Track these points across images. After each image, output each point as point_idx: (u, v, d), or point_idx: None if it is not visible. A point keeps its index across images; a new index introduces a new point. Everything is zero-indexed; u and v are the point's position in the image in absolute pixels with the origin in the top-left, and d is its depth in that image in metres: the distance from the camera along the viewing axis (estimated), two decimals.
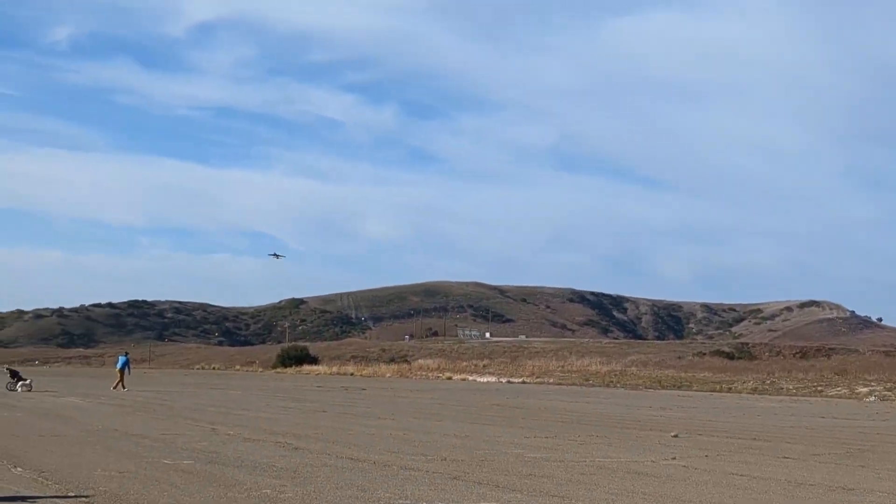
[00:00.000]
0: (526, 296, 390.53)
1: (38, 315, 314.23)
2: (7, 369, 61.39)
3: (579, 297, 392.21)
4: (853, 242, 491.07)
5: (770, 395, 63.58)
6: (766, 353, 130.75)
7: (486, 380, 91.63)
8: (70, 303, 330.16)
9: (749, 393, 65.95)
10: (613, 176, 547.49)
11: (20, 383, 53.92)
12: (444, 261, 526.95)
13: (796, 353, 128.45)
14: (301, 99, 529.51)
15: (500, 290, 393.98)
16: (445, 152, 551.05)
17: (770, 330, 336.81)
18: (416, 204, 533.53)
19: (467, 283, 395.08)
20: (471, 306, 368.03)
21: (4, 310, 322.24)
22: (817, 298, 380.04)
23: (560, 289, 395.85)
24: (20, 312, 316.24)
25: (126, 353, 63.36)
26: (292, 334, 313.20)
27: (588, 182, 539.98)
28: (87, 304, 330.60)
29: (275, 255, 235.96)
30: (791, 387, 69.03)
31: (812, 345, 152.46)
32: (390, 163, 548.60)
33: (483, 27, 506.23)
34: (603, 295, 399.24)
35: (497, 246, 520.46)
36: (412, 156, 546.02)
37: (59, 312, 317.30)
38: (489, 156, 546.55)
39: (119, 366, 60.67)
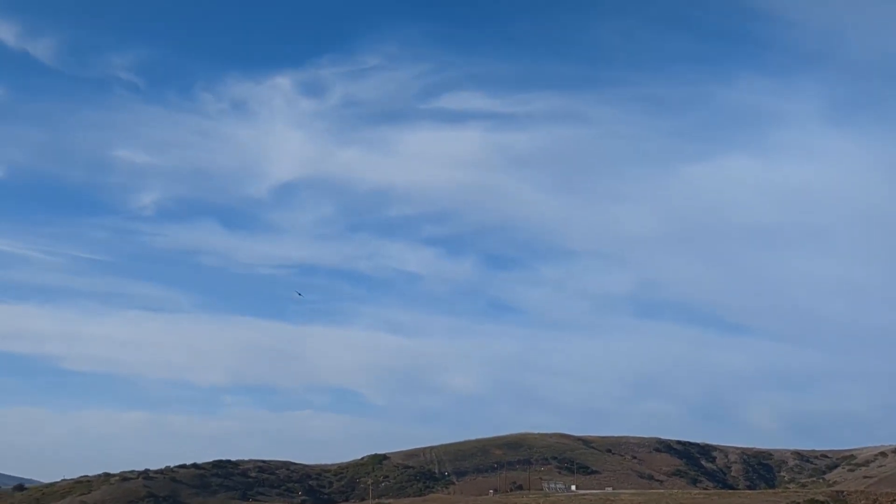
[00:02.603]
0: (611, 446, 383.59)
1: (125, 478, 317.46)
2: None
3: (665, 447, 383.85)
4: None
5: None
6: (863, 501, 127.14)
7: None
8: (156, 464, 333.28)
9: None
10: (695, 322, 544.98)
11: None
12: (527, 412, 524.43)
13: (893, 500, 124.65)
14: (380, 254, 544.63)
15: (585, 441, 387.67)
16: (525, 302, 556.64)
17: (865, 476, 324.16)
18: (498, 355, 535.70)
19: (551, 435, 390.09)
20: (555, 458, 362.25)
21: (92, 473, 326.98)
22: None
23: (645, 438, 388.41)
24: (107, 476, 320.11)
25: None
26: (375, 490, 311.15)
27: (669, 329, 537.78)
28: (172, 465, 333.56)
29: (298, 293, 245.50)
30: None
31: None
32: (470, 314, 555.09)
33: (559, 179, 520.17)
34: (690, 444, 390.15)
35: (580, 396, 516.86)
36: (492, 307, 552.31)
37: (145, 475, 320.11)
38: (569, 305, 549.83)
39: None
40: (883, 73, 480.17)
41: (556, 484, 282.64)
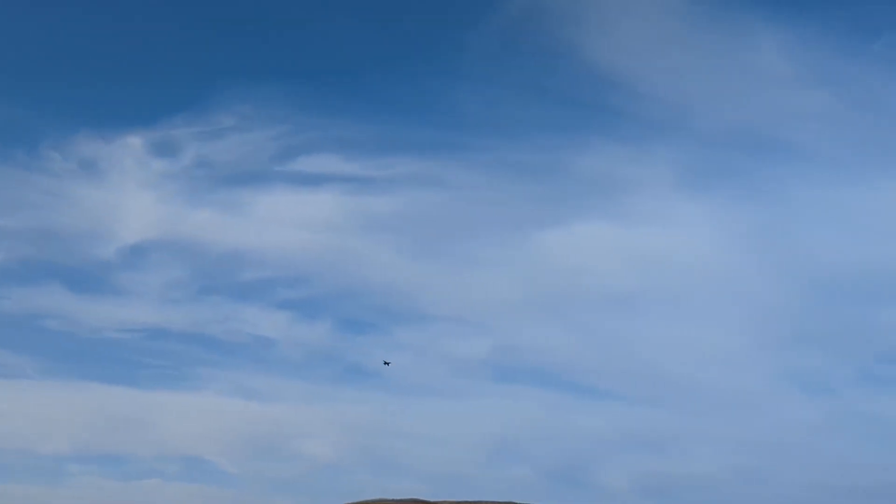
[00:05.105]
0: None
1: None
2: None
3: None
4: (795, 447, 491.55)
5: None
6: None
7: None
8: None
9: None
10: (552, 386, 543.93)
11: None
12: (383, 478, 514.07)
13: None
14: (233, 318, 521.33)
15: None
16: (382, 368, 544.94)
17: None
18: (354, 421, 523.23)
19: (405, 500, 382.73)
20: None
21: None
22: None
23: (500, 502, 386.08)
24: None
25: None
26: None
27: (527, 392, 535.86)
28: None
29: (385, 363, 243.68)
30: None
31: None
32: (326, 379, 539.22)
33: (418, 243, 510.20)
34: None
35: (437, 460, 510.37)
36: (348, 371, 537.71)
37: None
38: (426, 369, 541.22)
39: None
40: (730, 143, 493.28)
41: None
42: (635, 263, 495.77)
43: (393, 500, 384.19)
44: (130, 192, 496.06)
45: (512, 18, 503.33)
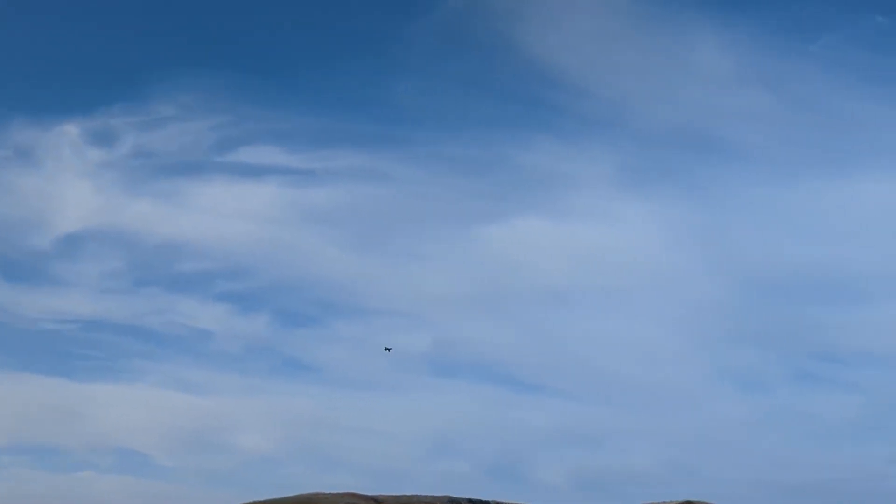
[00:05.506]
0: None
1: None
2: None
3: None
4: (726, 442, 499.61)
5: None
6: None
7: None
8: None
9: None
10: (490, 381, 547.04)
11: None
12: (321, 472, 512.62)
13: None
14: (171, 310, 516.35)
15: (377, 500, 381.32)
16: (321, 361, 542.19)
17: None
18: (291, 414, 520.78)
19: (342, 494, 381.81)
20: None
21: None
22: (693, 499, 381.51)
23: (438, 497, 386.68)
24: None
25: None
26: None
27: (465, 387, 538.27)
28: None
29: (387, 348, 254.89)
30: None
31: None
32: (264, 372, 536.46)
33: (359, 236, 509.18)
34: (482, 502, 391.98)
35: (375, 455, 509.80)
36: (286, 365, 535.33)
37: None
38: (366, 363, 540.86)
39: None
40: (669, 142, 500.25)
41: None
42: (575, 260, 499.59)
43: (330, 494, 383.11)
44: (67, 181, 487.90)
45: (454, 13, 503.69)
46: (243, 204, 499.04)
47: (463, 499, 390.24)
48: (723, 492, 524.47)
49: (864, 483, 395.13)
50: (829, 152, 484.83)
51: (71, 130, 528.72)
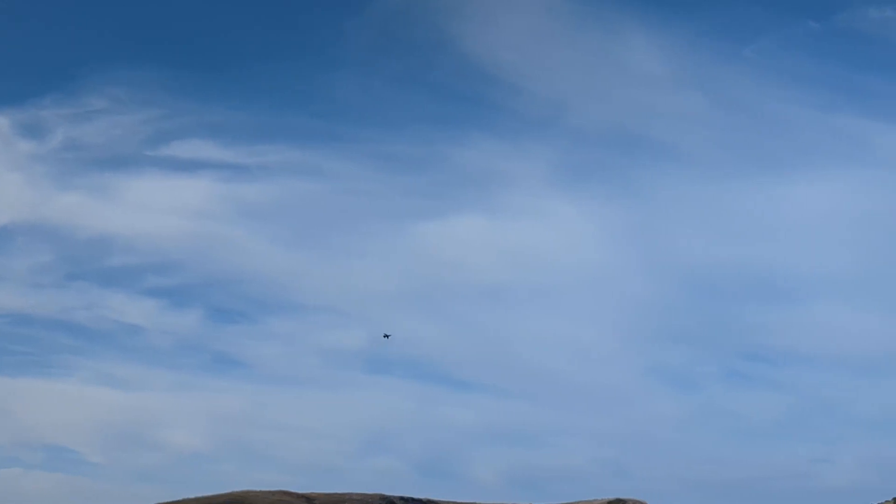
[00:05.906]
0: (335, 503, 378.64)
1: None
2: None
3: (387, 503, 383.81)
4: (657, 440, 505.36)
5: None
6: None
7: None
8: None
9: None
10: (424, 378, 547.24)
11: None
12: (252, 469, 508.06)
13: None
14: (100, 304, 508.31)
15: (308, 499, 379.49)
16: (253, 357, 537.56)
17: None
18: (222, 411, 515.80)
19: (273, 492, 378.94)
20: None
21: None
22: (623, 497, 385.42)
23: (369, 494, 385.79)
24: None
25: None
26: None
27: (399, 385, 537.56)
28: None
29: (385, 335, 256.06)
30: None
31: None
32: (194, 369, 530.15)
33: (293, 232, 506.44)
34: (414, 500, 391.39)
35: (307, 452, 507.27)
36: (218, 361, 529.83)
37: None
38: (299, 360, 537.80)
39: None
40: (603, 141, 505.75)
41: None
42: (509, 258, 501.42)
43: (262, 492, 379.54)
44: None
45: (392, 10, 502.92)
46: (175, 198, 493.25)
47: (396, 496, 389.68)
48: (653, 489, 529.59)
49: (790, 481, 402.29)
50: (760, 154, 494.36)
51: (1, 122, 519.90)
